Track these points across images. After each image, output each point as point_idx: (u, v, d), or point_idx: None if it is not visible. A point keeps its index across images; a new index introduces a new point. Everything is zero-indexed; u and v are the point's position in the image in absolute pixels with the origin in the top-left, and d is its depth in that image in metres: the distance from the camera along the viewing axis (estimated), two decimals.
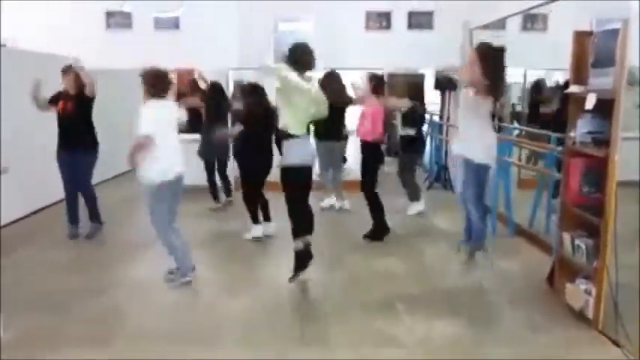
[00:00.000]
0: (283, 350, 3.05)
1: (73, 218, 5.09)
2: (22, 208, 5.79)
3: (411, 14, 7.56)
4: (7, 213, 5.39)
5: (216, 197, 6.24)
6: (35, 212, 5.98)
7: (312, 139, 4.16)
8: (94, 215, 5.17)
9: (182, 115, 4.29)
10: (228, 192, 6.45)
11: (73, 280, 4.14)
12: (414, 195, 5.99)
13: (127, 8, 7.34)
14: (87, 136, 4.99)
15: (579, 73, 3.39)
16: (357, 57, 7.38)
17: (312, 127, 4.26)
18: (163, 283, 4.01)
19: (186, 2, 7.23)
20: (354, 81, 5.41)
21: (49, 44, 6.75)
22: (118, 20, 7.38)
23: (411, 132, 5.92)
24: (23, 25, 7.00)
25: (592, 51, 3.21)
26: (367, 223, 5.05)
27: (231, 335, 3.24)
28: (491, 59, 3.90)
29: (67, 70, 4.87)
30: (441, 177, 7.44)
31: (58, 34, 7.00)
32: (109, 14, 7.39)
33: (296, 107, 3.77)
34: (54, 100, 4.89)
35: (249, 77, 7.90)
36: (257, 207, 4.98)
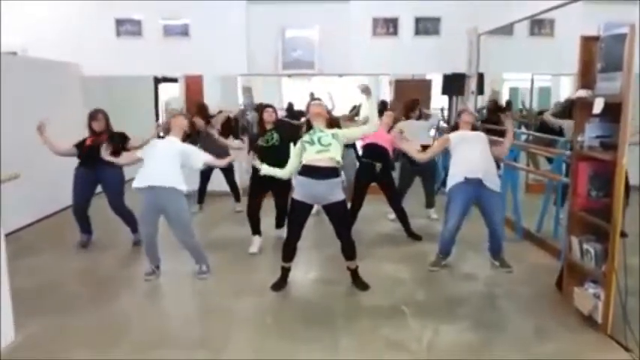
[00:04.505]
0: (289, 355, 3.06)
1: (85, 229, 5.11)
2: (32, 214, 5.86)
3: (418, 20, 7.57)
4: (19, 219, 5.44)
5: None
6: (47, 217, 6.05)
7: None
8: (137, 230, 5.06)
9: None
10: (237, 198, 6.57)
11: (81, 285, 4.20)
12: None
13: (137, 16, 7.42)
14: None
15: (587, 78, 3.40)
16: (363, 63, 7.42)
17: None
18: (168, 287, 4.06)
19: (195, 9, 7.29)
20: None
21: (60, 52, 6.84)
22: (128, 28, 7.45)
23: None
24: (34, 33, 7.08)
25: (599, 56, 3.22)
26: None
27: (237, 339, 3.26)
28: None
29: (96, 115, 4.88)
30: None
31: (68, 42, 7.07)
32: (119, 22, 7.46)
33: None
34: (80, 144, 4.87)
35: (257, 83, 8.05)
36: (257, 219, 4.98)
